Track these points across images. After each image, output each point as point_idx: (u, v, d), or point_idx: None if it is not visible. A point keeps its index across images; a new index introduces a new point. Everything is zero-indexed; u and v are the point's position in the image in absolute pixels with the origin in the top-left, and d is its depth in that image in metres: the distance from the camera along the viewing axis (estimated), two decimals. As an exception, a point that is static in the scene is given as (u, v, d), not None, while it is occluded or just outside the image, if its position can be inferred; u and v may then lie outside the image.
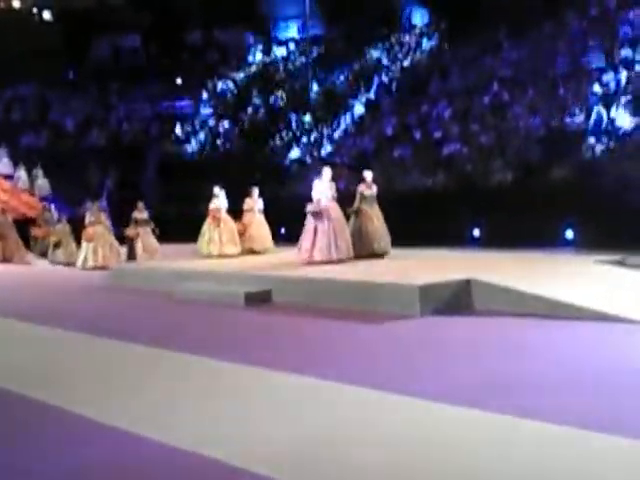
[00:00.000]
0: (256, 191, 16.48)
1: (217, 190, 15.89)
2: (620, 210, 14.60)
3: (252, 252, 15.84)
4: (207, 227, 15.62)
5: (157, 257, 17.51)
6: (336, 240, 12.52)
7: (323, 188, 12.82)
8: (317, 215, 12.62)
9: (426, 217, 16.45)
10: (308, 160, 25.31)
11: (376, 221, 13.32)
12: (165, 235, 18.24)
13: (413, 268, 11.65)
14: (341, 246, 12.56)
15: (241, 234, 15.82)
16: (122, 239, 18.14)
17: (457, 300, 9.67)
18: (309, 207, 12.77)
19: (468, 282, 9.77)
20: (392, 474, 4.39)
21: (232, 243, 15.54)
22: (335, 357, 7.60)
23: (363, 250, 13.01)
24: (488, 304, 9.50)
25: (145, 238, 17.83)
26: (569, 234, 16.32)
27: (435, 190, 18.58)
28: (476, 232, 17.16)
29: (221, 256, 15.07)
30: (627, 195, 15.14)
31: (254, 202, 16.34)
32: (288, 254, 14.18)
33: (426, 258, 13.14)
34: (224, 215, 15.78)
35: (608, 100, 18.04)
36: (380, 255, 13.12)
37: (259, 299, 11.26)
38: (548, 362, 6.78)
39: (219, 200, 15.80)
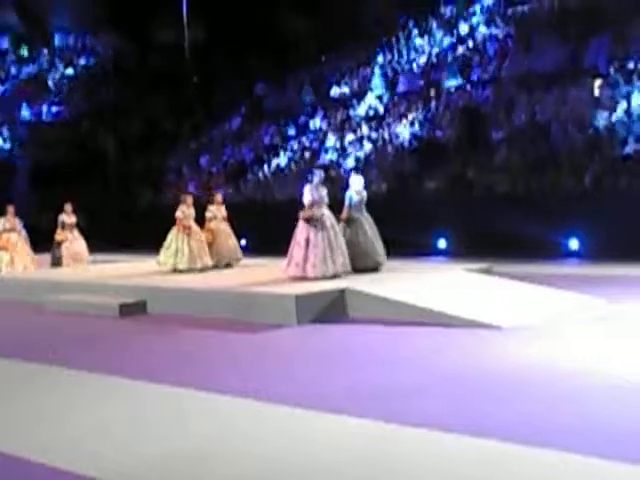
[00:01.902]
0: (219, 197, 14.88)
1: (184, 197, 14.11)
2: (488, 220, 15.26)
3: (226, 265, 14.04)
4: (174, 237, 13.47)
5: (84, 264, 16.37)
6: (332, 253, 10.97)
7: (315, 192, 11.22)
8: (311, 222, 11.00)
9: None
10: (185, 169, 25.11)
11: (369, 231, 11.84)
12: (38, 245, 17.60)
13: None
14: (337, 260, 10.98)
15: (209, 245, 13.89)
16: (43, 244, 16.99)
17: (333, 309, 9.83)
18: (302, 213, 11.13)
19: (343, 291, 9.94)
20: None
21: (203, 255, 13.55)
22: (209, 367, 7.58)
23: (357, 264, 11.46)
24: (362, 312, 9.70)
25: (73, 244, 16.63)
26: (441, 243, 16.89)
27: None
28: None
29: (191, 270, 13.14)
30: (495, 205, 15.84)
31: (218, 209, 14.50)
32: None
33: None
34: (193, 224, 13.79)
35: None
36: (375, 269, 11.70)
37: (134, 310, 11.08)
38: (417, 369, 6.99)
39: (187, 207, 13.82)
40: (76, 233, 16.75)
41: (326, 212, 11.18)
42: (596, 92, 17.38)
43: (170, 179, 24.90)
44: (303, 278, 10.75)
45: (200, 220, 14.06)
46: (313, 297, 9.81)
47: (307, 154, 21.58)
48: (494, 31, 21.39)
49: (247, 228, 19.22)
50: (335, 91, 23.79)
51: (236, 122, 26.01)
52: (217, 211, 14.42)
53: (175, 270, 13.19)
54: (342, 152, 20.68)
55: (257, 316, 9.85)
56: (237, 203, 21.06)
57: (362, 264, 11.49)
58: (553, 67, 18.85)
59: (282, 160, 22.25)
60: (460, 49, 21.76)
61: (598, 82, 17.48)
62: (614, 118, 16.53)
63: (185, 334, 9.48)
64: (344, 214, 11.66)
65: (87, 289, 12.45)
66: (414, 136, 19.40)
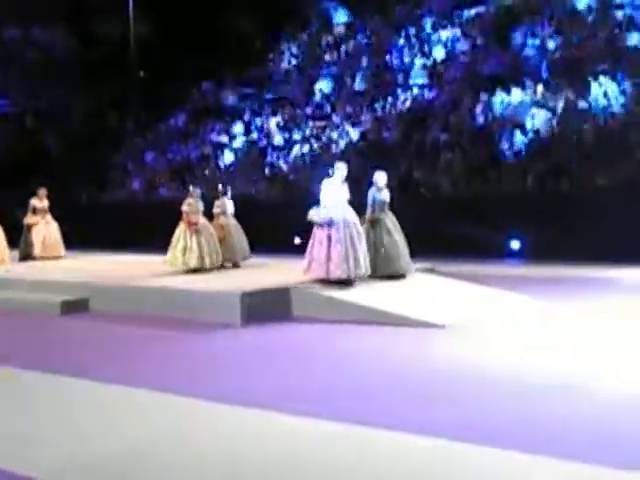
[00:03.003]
0: (229, 191, 13.75)
1: (193, 189, 12.93)
2: (432, 220, 15.44)
3: (234, 265, 13.08)
4: (181, 233, 12.39)
5: (58, 250, 15.78)
6: (355, 253, 9.92)
7: (335, 190, 10.09)
8: (327, 226, 9.93)
9: (251, 226, 16.61)
10: (129, 165, 24.83)
11: (395, 234, 10.85)
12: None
13: (236, 276, 11.71)
14: (360, 261, 9.95)
15: (220, 242, 12.76)
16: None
17: (278, 308, 9.83)
18: (314, 216, 10.09)
19: (288, 290, 9.96)
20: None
21: (213, 253, 12.44)
22: (151, 366, 7.52)
23: (381, 270, 10.52)
24: (307, 312, 9.72)
25: (45, 229, 15.93)
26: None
27: (259, 198, 18.78)
28: (297, 240, 17.50)
29: (202, 270, 12.08)
30: (439, 206, 16.04)
31: (225, 204, 13.47)
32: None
33: (250, 266, 13.16)
34: (202, 219, 12.67)
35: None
36: (401, 276, 10.71)
37: (76, 307, 10.93)
38: (359, 368, 7.04)
39: (195, 201, 12.68)
40: (49, 218, 16.15)
41: (346, 210, 10.10)
42: (538, 95, 17.71)
43: (115, 175, 24.61)
44: (326, 280, 9.89)
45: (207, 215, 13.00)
46: (258, 296, 9.80)
47: (254, 152, 21.53)
48: (442, 33, 21.60)
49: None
50: (281, 89, 23.77)
51: (182, 119, 25.81)
52: (225, 206, 13.39)
53: (186, 270, 12.06)
54: (288, 151, 20.68)
55: (201, 315, 9.79)
56: (182, 200, 20.91)
57: (386, 270, 10.56)
58: (498, 70, 19.13)
59: (228, 158, 22.17)
60: (408, 51, 21.93)
61: (540, 86, 17.81)
62: (555, 121, 16.87)
63: (125, 332, 9.38)
64: (368, 214, 10.70)
65: (28, 286, 12.22)
66: (361, 136, 19.51)
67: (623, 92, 16.53)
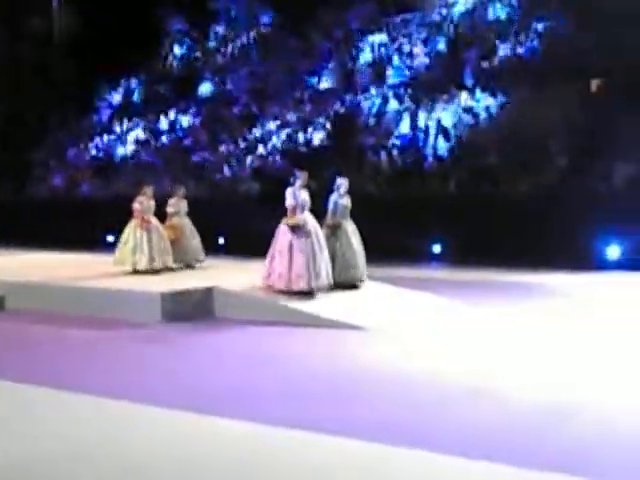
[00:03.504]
0: (182, 190, 13.26)
1: (146, 188, 12.27)
2: (357, 223, 15.53)
3: (187, 266, 12.56)
4: (131, 232, 11.80)
5: None
6: (315, 263, 9.69)
7: (298, 195, 9.88)
8: (297, 230, 9.69)
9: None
10: (52, 162, 24.29)
11: (355, 241, 10.64)
12: None
13: (156, 275, 11.53)
14: (321, 272, 9.72)
15: (173, 242, 12.25)
16: None
17: (199, 308, 9.74)
18: (288, 220, 9.75)
19: (210, 290, 9.87)
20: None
21: (165, 254, 11.90)
22: (63, 365, 7.34)
23: (342, 277, 10.30)
24: (230, 312, 9.66)
25: None
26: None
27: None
28: (221, 240, 17.43)
29: (153, 271, 11.53)
30: (363, 209, 16.13)
31: (179, 204, 12.96)
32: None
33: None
34: (153, 219, 12.10)
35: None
36: (354, 285, 10.48)
37: (-10, 306, 10.62)
38: (281, 369, 7.03)
39: (147, 199, 12.07)
40: None
41: (309, 217, 9.95)
42: (462, 103, 18.02)
43: (37, 172, 24.03)
44: (288, 291, 9.56)
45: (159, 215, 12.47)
46: (179, 296, 9.70)
47: (178, 150, 21.31)
48: (370, 38, 21.78)
49: (117, 224, 18.75)
50: (207, 88, 23.59)
51: (106, 115, 25.37)
52: (179, 205, 12.93)
53: (134, 271, 11.54)
54: (214, 150, 20.54)
55: (121, 314, 9.62)
56: (104, 198, 20.58)
57: (344, 277, 10.36)
58: (425, 77, 19.40)
59: (152, 155, 21.88)
60: (337, 55, 22.05)
61: (464, 94, 18.14)
62: (477, 128, 17.19)
63: (41, 331, 9.15)
64: (329, 220, 10.47)
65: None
66: (288, 138, 19.51)
67: (543, 100, 16.94)
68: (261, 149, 19.63)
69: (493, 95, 17.60)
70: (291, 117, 20.15)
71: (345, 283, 10.31)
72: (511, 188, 15.51)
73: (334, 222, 10.47)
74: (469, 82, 18.51)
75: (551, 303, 10.59)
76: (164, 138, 22.20)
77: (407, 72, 19.92)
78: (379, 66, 20.71)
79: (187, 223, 12.87)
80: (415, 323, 9.07)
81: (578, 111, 15.94)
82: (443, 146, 17.18)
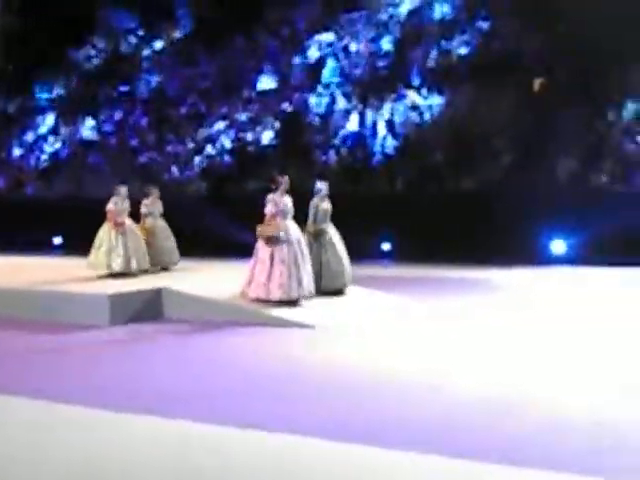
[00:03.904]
0: (156, 191, 12.81)
1: (120, 188, 11.87)
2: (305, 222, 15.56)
3: (162, 269, 12.18)
4: (105, 234, 11.40)
5: None
6: (298, 272, 9.32)
7: (280, 202, 9.47)
8: (273, 241, 9.31)
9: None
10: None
11: (339, 247, 10.32)
12: None
13: (104, 277, 11.41)
14: (303, 280, 9.35)
15: (147, 244, 11.88)
16: None
17: (148, 309, 9.67)
18: (265, 229, 9.37)
19: (159, 291, 9.81)
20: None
21: (141, 257, 11.54)
22: (6, 369, 7.22)
23: (327, 285, 10.03)
24: (179, 312, 9.61)
25: None
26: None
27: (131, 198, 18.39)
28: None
29: (128, 274, 11.17)
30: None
31: (154, 204, 12.59)
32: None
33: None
34: (128, 220, 11.73)
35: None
36: (340, 291, 10.21)
37: None
38: (231, 369, 7.02)
39: (121, 200, 11.69)
40: None
41: (291, 225, 9.54)
42: (409, 102, 18.17)
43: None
44: (266, 301, 9.25)
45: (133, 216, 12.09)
46: (127, 297, 9.61)
47: (124, 151, 21.08)
48: (317, 37, 21.79)
49: (61, 225, 18.58)
50: (154, 88, 23.36)
51: (51, 115, 24.97)
52: (153, 206, 12.54)
53: (110, 274, 11.12)
54: (161, 151, 20.38)
55: (68, 317, 9.49)
56: (49, 199, 20.28)
57: (330, 285, 10.07)
58: (372, 75, 19.49)
59: (97, 156, 21.60)
60: (284, 53, 22.01)
61: (411, 93, 18.29)
62: (424, 127, 17.36)
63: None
64: (310, 226, 10.11)
65: None
66: (236, 137, 19.45)
67: (487, 99, 17.19)
68: (209, 149, 19.54)
69: (439, 94, 17.79)
70: (239, 116, 20.09)
71: (331, 290, 10.03)
72: (457, 185, 15.71)
73: (316, 229, 10.11)
74: (416, 81, 18.68)
75: (496, 298, 10.77)
76: (110, 138, 21.93)
77: (354, 71, 20.00)
78: (325, 65, 20.74)
79: (161, 225, 12.53)
80: (366, 321, 9.12)
81: (521, 109, 16.21)
82: (391, 144, 17.30)
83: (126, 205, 11.70)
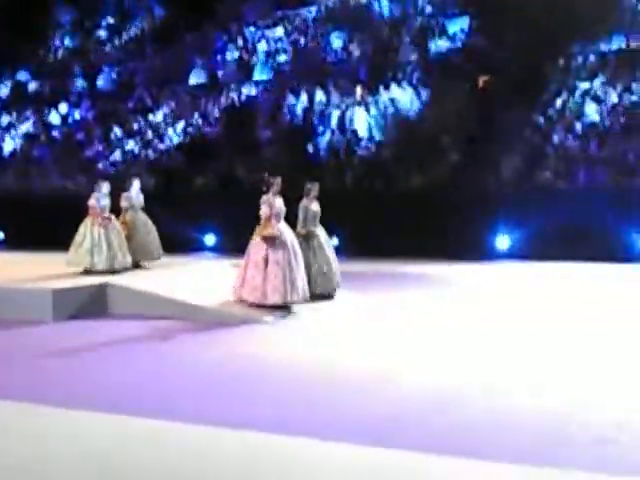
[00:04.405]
0: (137, 183, 12.07)
1: (102, 183, 11.34)
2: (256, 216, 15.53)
3: (137, 265, 11.50)
4: (87, 231, 10.86)
5: None
6: (292, 275, 9.05)
7: (275, 204, 9.15)
8: (271, 242, 9.02)
9: (64, 221, 16.00)
10: None
11: (328, 251, 10.07)
12: None
13: (48, 272, 11.20)
14: (297, 284, 9.09)
15: (127, 239, 11.36)
16: None
17: (93, 304, 9.54)
18: (262, 231, 9.07)
19: (104, 286, 9.69)
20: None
21: (125, 253, 11.05)
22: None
23: (317, 289, 9.71)
24: (124, 308, 9.51)
25: None
26: (209, 240, 16.97)
27: (77, 193, 18.15)
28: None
29: (113, 272, 10.64)
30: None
31: (133, 197, 11.90)
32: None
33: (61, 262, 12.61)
34: (110, 216, 11.19)
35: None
36: (330, 295, 9.95)
37: None
38: (174, 364, 6.97)
39: (102, 195, 11.16)
40: None
41: (284, 227, 9.29)
42: (358, 97, 18.26)
43: None
44: (261, 305, 8.97)
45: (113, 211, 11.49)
46: (71, 292, 9.47)
47: (70, 145, 20.77)
48: (267, 32, 21.76)
49: (5, 220, 18.28)
50: (100, 81, 23.08)
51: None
52: (134, 199, 11.90)
53: (91, 271, 10.60)
54: (108, 145, 20.13)
55: (10, 312, 9.31)
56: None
57: (319, 289, 9.75)
58: (321, 70, 19.53)
59: (42, 150, 21.24)
60: (233, 48, 21.92)
61: (359, 88, 18.37)
62: (372, 122, 17.46)
63: None
64: (300, 229, 9.77)
65: None
66: (183, 132, 19.32)
67: (436, 97, 17.36)
68: (157, 143, 19.36)
69: (387, 90, 17.89)
70: (187, 111, 19.95)
71: (320, 294, 9.77)
72: (406, 183, 15.84)
73: (307, 231, 9.86)
74: (365, 77, 18.76)
75: (442, 292, 10.93)
76: (55, 132, 21.57)
77: (303, 66, 20.01)
78: (274, 60, 20.72)
79: (142, 218, 11.96)
80: (312, 315, 9.13)
81: (468, 108, 16.40)
82: (340, 141, 17.36)
83: (108, 201, 11.20)
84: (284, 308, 9.06)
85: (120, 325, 8.96)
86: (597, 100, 15.60)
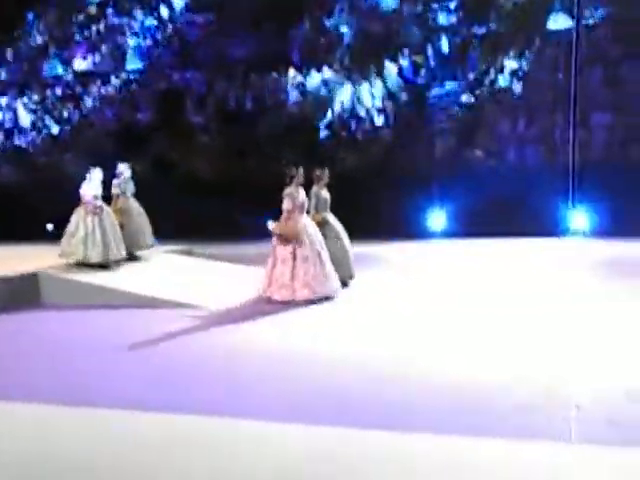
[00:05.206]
0: (127, 170, 11.55)
1: (94, 170, 10.63)
2: (190, 203, 15.45)
3: (130, 257, 11.02)
4: (81, 220, 10.33)
5: None
6: (324, 269, 8.79)
7: (299, 196, 8.92)
8: (291, 241, 8.77)
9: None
10: None
11: (342, 237, 9.73)
12: None
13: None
14: (330, 276, 8.88)
15: (120, 227, 10.85)
16: None
17: (25, 295, 9.36)
18: (285, 229, 8.81)
19: (35, 276, 9.52)
20: None
21: (119, 243, 10.56)
22: None
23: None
24: (58, 298, 9.36)
25: None
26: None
27: (3, 183, 17.84)
28: (50, 226, 16.85)
29: (106, 264, 10.26)
30: (196, 189, 16.09)
31: (125, 184, 11.43)
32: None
33: None
34: (103, 205, 10.64)
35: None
36: (345, 283, 9.56)
37: None
38: (114, 353, 6.90)
39: (94, 184, 10.53)
40: None
41: (307, 220, 9.01)
42: (290, 80, 18.24)
43: None
44: (292, 302, 8.64)
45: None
46: (1, 282, 9.27)
47: (-1, 134, 20.30)
48: (194, 17, 21.50)
49: None
50: (30, 68, 22.54)
51: None
52: (125, 186, 11.41)
53: (84, 263, 10.12)
54: (38, 132, 19.71)
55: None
56: None
57: (341, 277, 9.34)
58: (251, 54, 19.42)
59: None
60: (162, 33, 21.63)
61: (292, 71, 18.35)
62: (306, 105, 17.48)
63: None
64: (313, 216, 9.42)
65: None
66: (114, 117, 19.04)
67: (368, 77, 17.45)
68: (87, 129, 19.04)
69: (319, 71, 17.91)
70: (117, 96, 19.65)
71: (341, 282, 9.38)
72: (342, 164, 15.91)
73: (320, 218, 9.51)
74: (297, 59, 18.73)
75: (379, 272, 11.01)
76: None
77: (231, 50, 19.87)
78: (209, 45, 20.51)
79: (134, 205, 11.51)
80: (244, 299, 9.12)
81: (401, 87, 16.54)
82: (276, 123, 17.33)
83: (100, 190, 10.61)
84: (315, 302, 8.69)
85: (49, 316, 8.79)
86: (523, 78, 15.89)
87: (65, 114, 20.07)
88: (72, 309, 8.98)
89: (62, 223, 16.43)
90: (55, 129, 19.48)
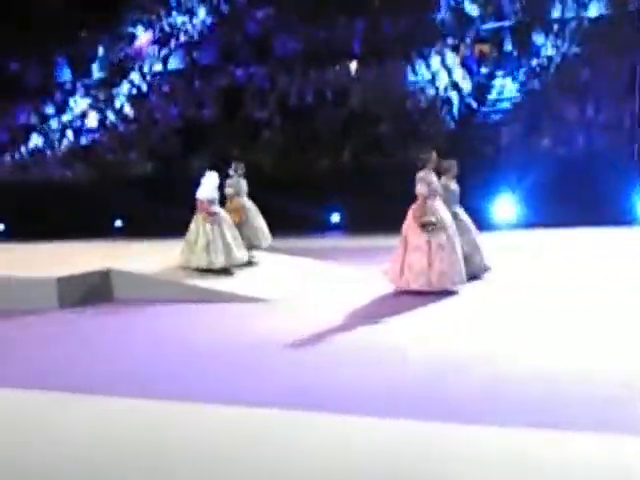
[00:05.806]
0: (241, 168, 11.27)
1: (209, 173, 10.24)
2: (254, 197, 15.53)
3: (251, 248, 10.83)
4: (200, 227, 10.01)
5: None
6: (458, 259, 8.59)
7: (433, 181, 8.69)
8: (429, 228, 8.50)
9: (63, 209, 16.05)
10: None
11: (473, 229, 9.48)
12: None
13: (50, 260, 11.22)
14: (462, 267, 8.65)
15: (238, 226, 10.53)
16: None
17: (98, 291, 9.55)
18: (422, 216, 8.52)
19: (107, 272, 9.69)
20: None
21: (238, 247, 10.18)
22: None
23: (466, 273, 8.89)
24: (128, 293, 9.53)
25: None
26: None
27: (75, 181, 18.19)
28: (118, 222, 17.22)
29: (229, 269, 10.04)
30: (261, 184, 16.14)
31: (239, 183, 11.18)
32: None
33: (64, 250, 12.66)
34: (218, 211, 10.25)
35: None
36: (477, 277, 9.29)
37: None
38: (190, 346, 6.98)
39: (210, 187, 10.18)
40: None
41: (440, 206, 8.71)
42: (352, 73, 18.19)
43: None
44: (429, 292, 8.43)
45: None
46: (76, 279, 9.47)
47: (68, 134, 20.73)
48: (256, 13, 21.63)
49: (4, 210, 18.29)
50: (96, 68, 23.00)
51: None
52: (238, 185, 11.11)
53: (210, 270, 9.87)
54: (105, 131, 20.08)
55: (16, 301, 9.31)
56: None
57: (470, 274, 9.00)
58: (312, 48, 19.44)
59: (39, 140, 21.19)
60: (223, 28, 21.82)
61: (354, 64, 18.30)
62: (369, 99, 17.41)
63: None
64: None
65: None
66: (179, 115, 19.27)
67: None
68: (153, 127, 19.31)
69: (381, 64, 17.84)
70: (182, 93, 19.89)
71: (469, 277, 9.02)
72: (400, 156, 15.79)
73: (450, 212, 9.05)
74: (359, 52, 18.69)
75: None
76: (52, 121, 21.50)
77: (291, 45, 19.91)
78: (265, 41, 20.61)
79: (249, 204, 11.28)
80: (318, 292, 9.14)
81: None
82: (337, 117, 17.31)
83: (216, 193, 10.27)
84: (449, 293, 8.50)
85: (123, 310, 8.95)
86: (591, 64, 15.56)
87: (131, 112, 20.41)
88: (143, 305, 9.11)
89: (128, 219, 16.73)
90: (121, 127, 19.80)
